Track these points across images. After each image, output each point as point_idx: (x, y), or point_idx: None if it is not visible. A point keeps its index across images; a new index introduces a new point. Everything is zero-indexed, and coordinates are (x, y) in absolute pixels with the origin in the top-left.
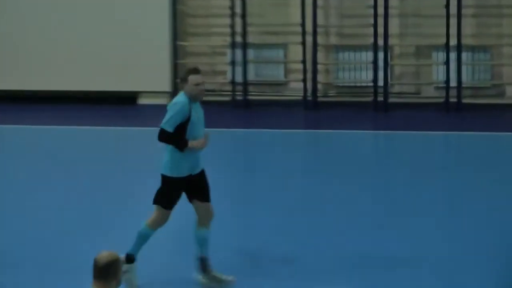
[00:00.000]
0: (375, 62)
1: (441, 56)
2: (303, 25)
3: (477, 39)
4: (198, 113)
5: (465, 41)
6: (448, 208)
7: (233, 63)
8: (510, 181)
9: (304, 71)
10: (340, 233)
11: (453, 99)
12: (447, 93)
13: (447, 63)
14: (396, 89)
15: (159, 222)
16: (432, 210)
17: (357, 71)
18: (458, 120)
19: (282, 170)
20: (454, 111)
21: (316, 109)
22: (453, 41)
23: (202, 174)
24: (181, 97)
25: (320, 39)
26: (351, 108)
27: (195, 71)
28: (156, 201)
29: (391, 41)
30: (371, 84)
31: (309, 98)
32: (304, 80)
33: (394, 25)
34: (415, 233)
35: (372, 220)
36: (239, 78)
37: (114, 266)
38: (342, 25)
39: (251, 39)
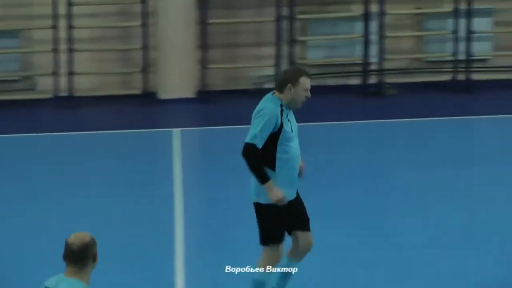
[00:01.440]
0: None
1: None
2: None
3: (3, 23)
4: (293, 124)
5: None
6: None
7: None
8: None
9: None
10: None
11: None
12: None
13: None
14: None
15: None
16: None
17: None
18: None
19: None
20: None
21: None
22: None
23: (298, 197)
24: (269, 102)
25: None
26: None
27: (307, 73)
28: (262, 241)
29: None
30: None
31: None
32: None
33: None
34: None
35: None
36: None
37: (91, 247)
38: None
39: None
